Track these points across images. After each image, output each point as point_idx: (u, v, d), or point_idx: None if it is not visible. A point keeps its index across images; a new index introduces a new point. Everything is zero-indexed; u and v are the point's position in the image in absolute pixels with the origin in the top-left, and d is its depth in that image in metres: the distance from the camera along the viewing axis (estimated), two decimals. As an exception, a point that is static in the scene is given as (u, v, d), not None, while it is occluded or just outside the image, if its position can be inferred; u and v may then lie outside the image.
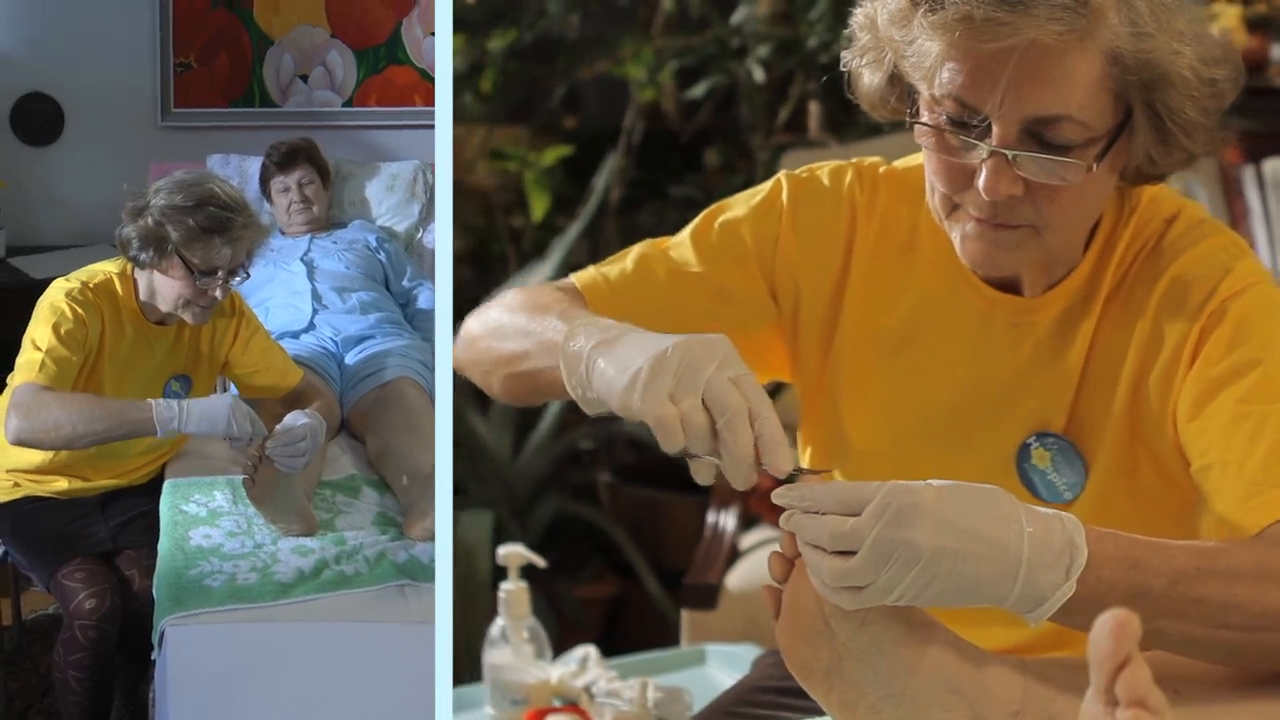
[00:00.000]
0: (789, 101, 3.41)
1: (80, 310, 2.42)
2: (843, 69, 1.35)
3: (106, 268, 2.50)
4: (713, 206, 1.47)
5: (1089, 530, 1.08)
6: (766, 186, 1.47)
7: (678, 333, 1.14)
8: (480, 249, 3.61)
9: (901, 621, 1.09)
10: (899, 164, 1.45)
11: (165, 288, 2.46)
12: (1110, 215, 1.36)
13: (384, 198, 3.31)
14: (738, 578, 2.45)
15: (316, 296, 3.01)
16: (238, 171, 3.29)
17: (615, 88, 3.51)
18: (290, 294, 3.02)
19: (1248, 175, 3.04)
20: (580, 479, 3.47)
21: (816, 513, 1.07)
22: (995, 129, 1.23)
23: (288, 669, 2.25)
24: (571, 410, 3.63)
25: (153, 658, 2.35)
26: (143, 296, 2.50)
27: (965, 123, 1.25)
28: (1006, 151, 1.23)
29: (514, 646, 1.87)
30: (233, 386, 2.82)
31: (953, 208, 1.30)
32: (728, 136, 3.56)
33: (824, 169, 1.46)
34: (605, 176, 3.38)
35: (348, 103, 3.43)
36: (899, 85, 1.31)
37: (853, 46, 1.33)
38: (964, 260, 1.31)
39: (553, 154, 3.43)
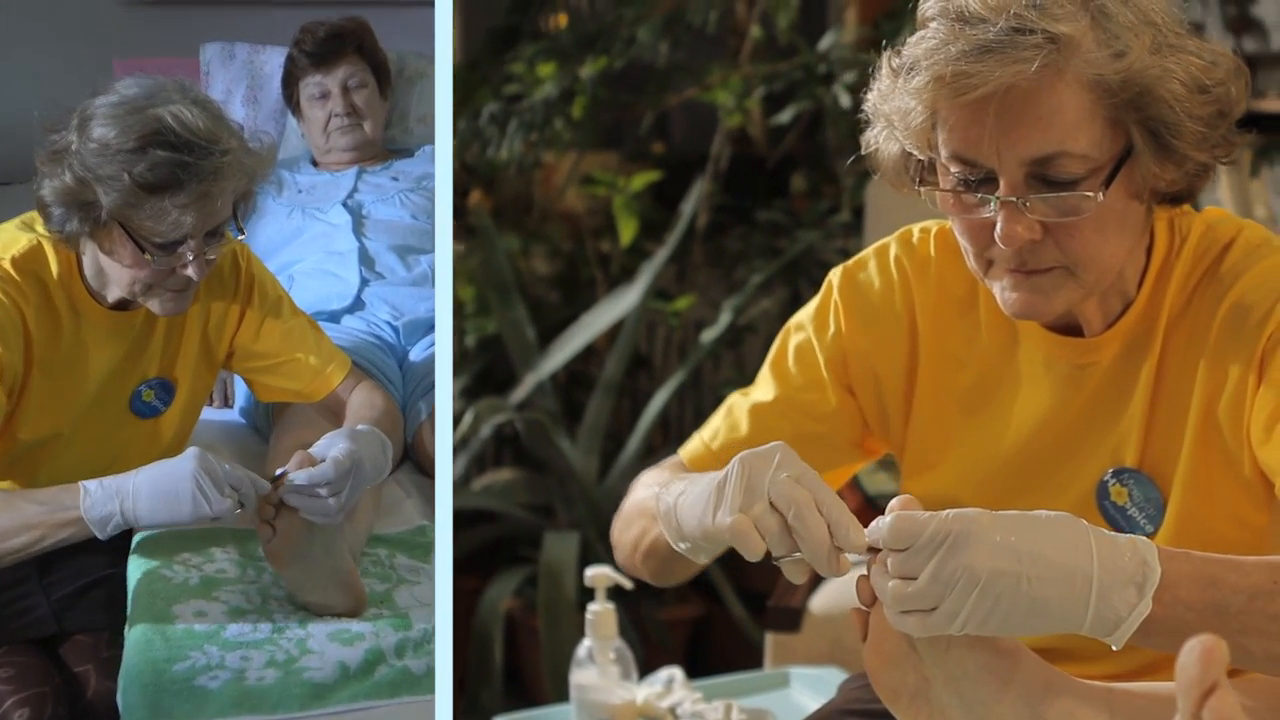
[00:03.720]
0: (875, 127, 3.42)
1: None
2: (864, 151, 1.38)
3: (36, 229, 1.73)
4: (786, 326, 1.53)
5: (1162, 550, 1.10)
6: (821, 292, 1.52)
7: None
8: (569, 273, 3.65)
9: (988, 648, 1.11)
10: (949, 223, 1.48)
11: (112, 270, 1.70)
12: (1161, 245, 1.37)
13: (469, 112, 2.27)
14: (821, 601, 2.46)
15: (366, 259, 2.13)
16: (247, 70, 2.28)
17: (703, 114, 3.54)
18: (327, 255, 2.14)
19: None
20: (666, 502, 3.48)
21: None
22: (1001, 179, 1.25)
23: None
24: (658, 433, 3.67)
25: None
26: (89, 274, 1.73)
27: (973, 180, 1.27)
28: (1014, 199, 1.25)
29: (600, 667, 1.89)
30: (241, 395, 2.07)
31: (988, 265, 1.32)
32: (814, 162, 3.58)
33: (868, 252, 1.51)
34: (693, 202, 3.40)
35: (413, -35, 2.32)
36: (914, 158, 1.34)
37: (870, 128, 1.36)
38: (1008, 314, 1.33)
39: (641, 179, 3.46)
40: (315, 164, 2.24)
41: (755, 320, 3.50)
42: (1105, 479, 1.39)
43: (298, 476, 1.67)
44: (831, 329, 1.49)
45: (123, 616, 1.72)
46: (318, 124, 2.21)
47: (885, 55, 1.31)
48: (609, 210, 3.49)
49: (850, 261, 1.51)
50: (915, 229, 1.49)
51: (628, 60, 3.33)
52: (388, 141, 2.30)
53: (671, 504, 1.25)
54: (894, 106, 1.29)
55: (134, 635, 1.69)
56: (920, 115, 1.26)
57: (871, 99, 1.34)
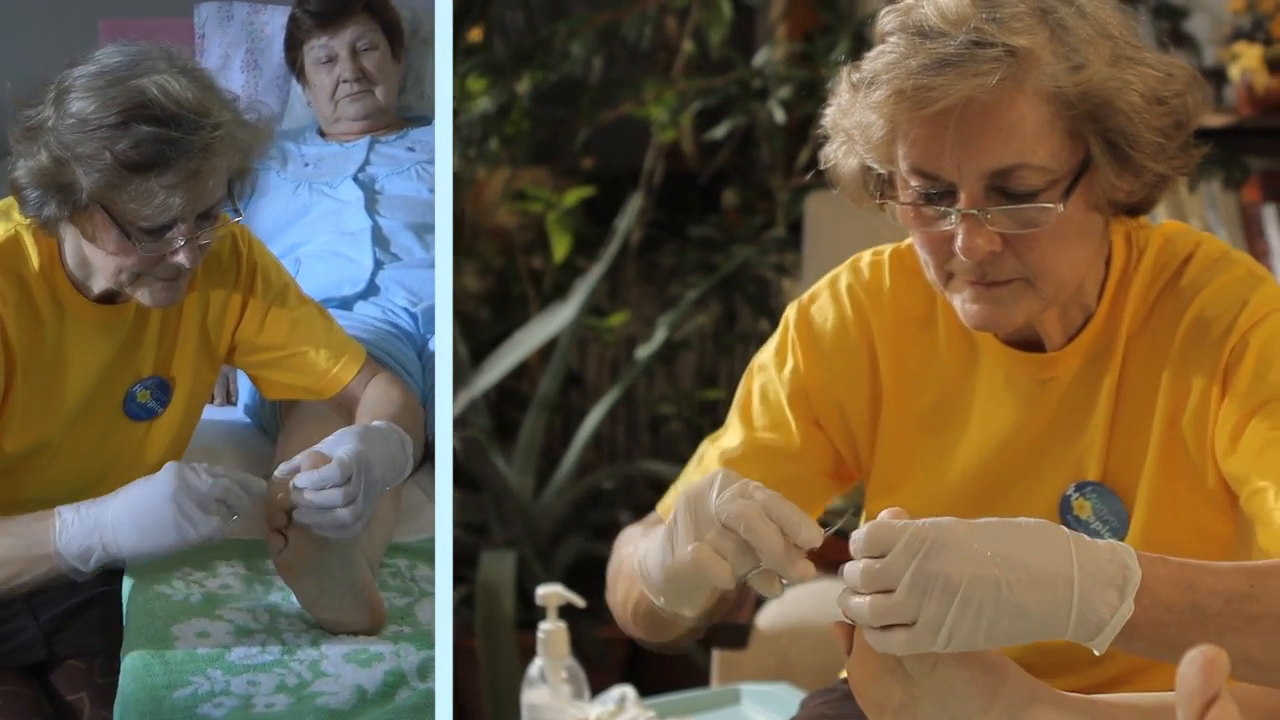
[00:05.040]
0: (809, 143, 3.43)
1: None
2: (823, 166, 1.39)
3: (13, 217, 1.59)
4: (750, 367, 1.53)
5: (1140, 554, 1.10)
6: (779, 329, 1.52)
7: None
8: (501, 289, 3.63)
9: (974, 662, 1.11)
10: (905, 243, 1.48)
11: (95, 258, 1.56)
12: (1119, 257, 1.38)
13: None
14: (769, 617, 2.45)
15: (381, 239, 1.93)
16: (246, 32, 2.07)
17: (636, 129, 3.54)
18: (337, 236, 1.94)
19: (1269, 214, 3.05)
20: (602, 519, 3.47)
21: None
22: (961, 191, 1.26)
23: None
24: (593, 450, 3.65)
25: None
26: (71, 263, 1.59)
27: (933, 193, 1.28)
28: (975, 211, 1.26)
29: (552, 687, 1.86)
30: (245, 392, 1.90)
31: (947, 278, 1.33)
32: (747, 177, 3.58)
33: (821, 285, 1.51)
34: (627, 218, 3.39)
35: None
36: (873, 172, 1.34)
37: (829, 143, 1.36)
38: (969, 326, 1.34)
39: (574, 195, 3.44)
40: (323, 134, 2.03)
41: (689, 336, 3.50)
42: (1068, 493, 1.39)
43: (300, 480, 1.52)
44: (789, 365, 1.49)
45: (118, 639, 1.59)
46: (324, 91, 2.00)
47: (845, 70, 1.32)
48: (541, 226, 3.47)
49: (804, 296, 1.52)
50: (865, 255, 1.50)
51: (561, 75, 3.32)
52: (402, 109, 2.07)
53: (642, 558, 1.27)
54: (854, 121, 1.29)
55: (130, 660, 1.54)
56: (881, 129, 1.26)
57: (830, 114, 1.34)
